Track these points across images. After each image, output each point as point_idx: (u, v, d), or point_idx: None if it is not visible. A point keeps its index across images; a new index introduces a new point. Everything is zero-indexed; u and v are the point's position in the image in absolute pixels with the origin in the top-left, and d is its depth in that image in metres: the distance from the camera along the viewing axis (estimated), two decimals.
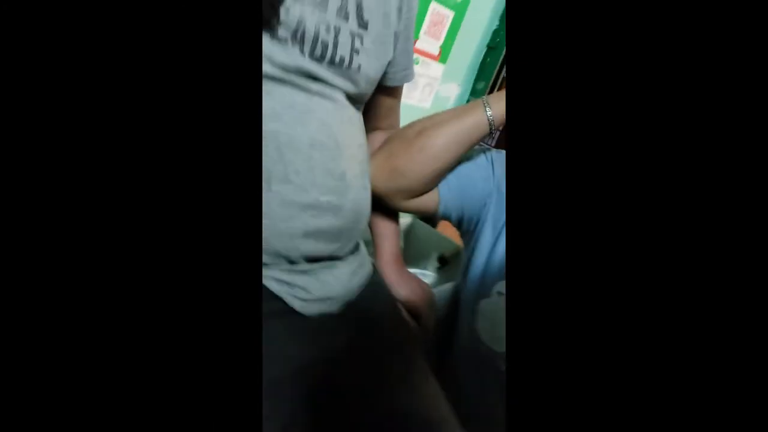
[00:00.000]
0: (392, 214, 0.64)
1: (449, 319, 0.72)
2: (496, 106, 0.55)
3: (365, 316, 0.51)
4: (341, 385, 0.46)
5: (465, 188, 0.61)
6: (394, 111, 0.65)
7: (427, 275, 0.95)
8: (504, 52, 1.38)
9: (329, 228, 0.46)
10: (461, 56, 1.39)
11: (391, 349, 0.51)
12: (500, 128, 0.56)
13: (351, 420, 0.45)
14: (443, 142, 0.55)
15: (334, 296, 0.48)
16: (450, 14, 1.26)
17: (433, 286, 0.91)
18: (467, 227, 0.64)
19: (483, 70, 1.45)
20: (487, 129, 0.55)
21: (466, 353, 0.67)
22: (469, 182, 0.61)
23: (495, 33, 1.42)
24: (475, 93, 1.48)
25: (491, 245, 0.62)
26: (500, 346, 0.62)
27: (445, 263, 1.04)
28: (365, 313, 0.51)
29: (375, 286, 0.54)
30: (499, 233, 0.62)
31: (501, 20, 1.40)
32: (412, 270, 0.92)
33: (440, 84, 1.38)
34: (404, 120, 0.65)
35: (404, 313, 0.57)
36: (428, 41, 1.25)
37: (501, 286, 0.62)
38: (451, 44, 1.32)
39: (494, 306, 0.62)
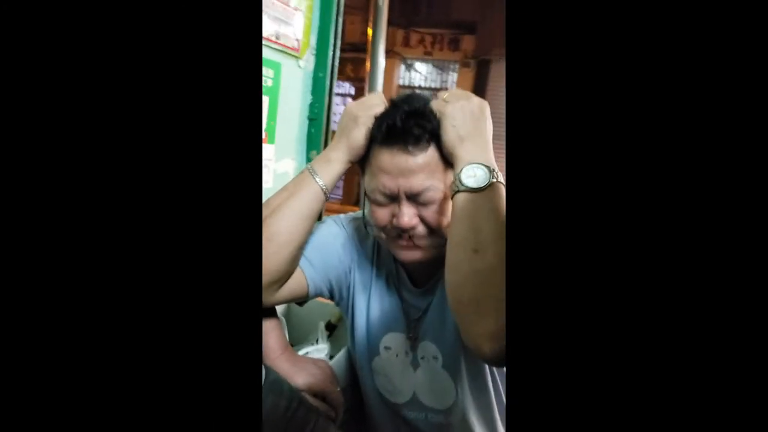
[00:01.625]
0: (269, 309, 0.65)
1: (354, 382, 0.74)
2: (322, 171, 0.57)
3: (282, 422, 0.52)
4: None
5: (328, 261, 0.65)
6: None
7: (321, 348, 0.96)
8: (324, 123, 1.50)
9: None
10: (287, 133, 1.48)
11: None
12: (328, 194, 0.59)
13: None
14: (286, 225, 0.56)
15: None
16: (266, 99, 1.34)
17: (330, 354, 0.92)
18: (340, 295, 0.68)
19: (311, 141, 1.56)
20: (323, 196, 0.58)
21: (376, 411, 0.70)
22: (329, 254, 0.65)
23: (312, 106, 1.55)
24: (310, 161, 1.58)
25: (366, 305, 0.67)
26: (402, 398, 0.67)
27: (333, 328, 1.07)
28: (278, 416, 0.51)
29: (274, 385, 0.54)
30: (369, 292, 0.67)
31: (314, 94, 1.54)
32: (305, 349, 0.92)
33: (275, 163, 1.44)
34: None
35: (310, 400, 0.58)
36: None
37: (386, 341, 0.67)
38: (274, 125, 1.39)
39: (385, 362, 0.67)
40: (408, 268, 0.65)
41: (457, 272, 0.49)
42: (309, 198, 0.57)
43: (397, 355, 0.66)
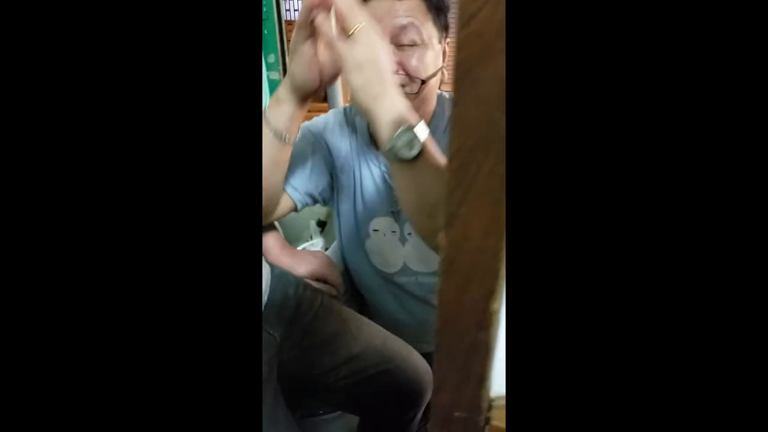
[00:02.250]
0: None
1: (346, 267, 0.84)
2: (273, 115, 0.54)
3: (293, 305, 0.61)
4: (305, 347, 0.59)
5: (308, 178, 0.70)
6: None
7: (316, 243, 1.05)
8: (276, 21, 1.43)
9: None
10: None
11: (323, 315, 0.63)
12: (291, 134, 0.57)
13: (317, 369, 0.57)
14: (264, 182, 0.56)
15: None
16: None
17: (326, 247, 1.02)
18: (326, 197, 0.75)
19: (265, 44, 1.50)
20: (278, 142, 0.55)
21: (372, 282, 0.81)
22: (308, 171, 0.71)
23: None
24: (269, 67, 1.54)
25: (352, 199, 0.74)
26: (394, 268, 0.77)
27: (324, 225, 1.15)
28: (289, 302, 0.61)
29: (281, 277, 0.63)
30: (354, 187, 0.73)
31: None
32: (301, 245, 1.01)
33: None
34: None
35: (313, 284, 0.67)
36: None
37: (374, 225, 0.75)
38: None
39: (375, 242, 0.76)
40: None
41: (420, 232, 0.53)
42: (271, 151, 0.55)
43: (384, 235, 0.75)
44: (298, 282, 0.65)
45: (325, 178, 0.73)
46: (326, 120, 0.76)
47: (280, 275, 0.63)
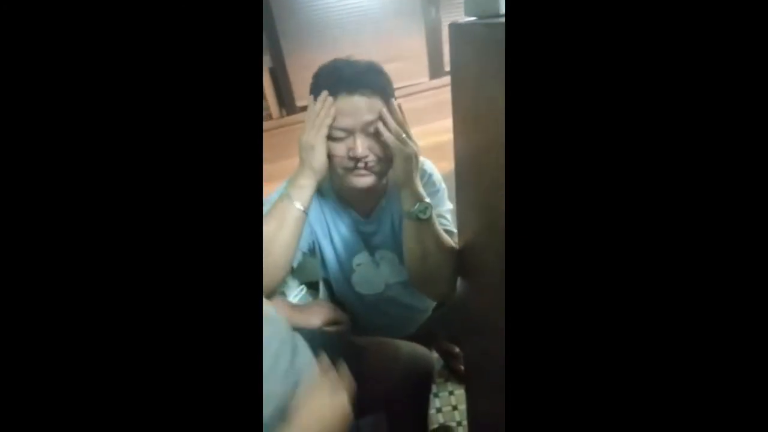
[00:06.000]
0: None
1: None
2: (298, 196, 0.72)
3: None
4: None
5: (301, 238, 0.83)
6: None
7: (292, 285, 1.18)
8: None
9: None
10: None
11: (347, 347, 0.79)
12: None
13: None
14: (281, 254, 0.72)
15: None
16: None
17: (303, 282, 1.15)
18: (312, 249, 0.89)
19: None
20: (304, 215, 0.73)
21: (359, 305, 0.98)
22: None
23: None
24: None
25: (332, 248, 0.90)
26: (376, 289, 0.95)
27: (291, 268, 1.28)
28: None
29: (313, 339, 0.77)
30: (331, 239, 0.89)
31: None
32: (294, 295, 1.14)
33: None
34: None
35: (329, 330, 0.83)
36: None
37: (356, 261, 0.91)
38: None
39: (360, 273, 0.93)
40: (353, 205, 0.87)
41: (411, 265, 0.77)
42: (294, 224, 0.73)
43: (366, 266, 0.93)
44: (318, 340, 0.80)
45: (309, 236, 0.87)
46: None
47: (309, 336, 0.77)
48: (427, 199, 0.73)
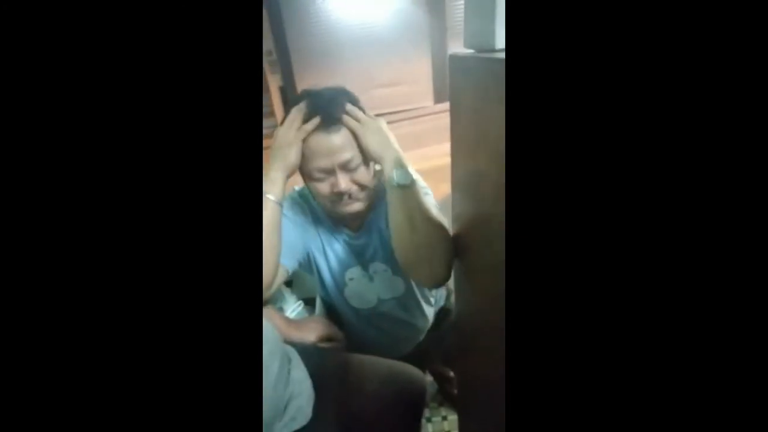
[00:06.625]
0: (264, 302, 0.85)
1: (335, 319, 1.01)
2: (271, 189, 0.72)
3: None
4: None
5: (292, 247, 0.86)
6: None
7: (290, 300, 1.19)
8: None
9: None
10: None
11: (341, 362, 0.79)
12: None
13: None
14: (267, 245, 0.73)
15: None
16: None
17: (301, 298, 1.16)
18: (307, 263, 0.90)
19: None
20: (279, 207, 0.74)
21: (353, 318, 0.99)
22: (292, 240, 0.85)
23: None
24: None
25: (326, 261, 0.91)
26: (369, 303, 0.96)
27: (290, 282, 1.29)
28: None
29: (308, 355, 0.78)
30: (324, 253, 0.90)
31: None
32: (292, 310, 1.15)
33: None
34: None
35: (324, 345, 0.84)
36: None
37: (348, 275, 0.92)
38: None
39: (352, 287, 0.95)
40: (344, 221, 0.87)
41: (399, 242, 0.73)
42: (271, 216, 0.73)
43: (357, 280, 0.93)
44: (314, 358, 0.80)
45: (302, 247, 0.89)
46: (289, 202, 0.91)
47: (303, 352, 0.78)
48: (410, 169, 0.71)
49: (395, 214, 0.72)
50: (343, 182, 0.75)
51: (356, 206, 0.80)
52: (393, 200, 0.71)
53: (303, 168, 0.77)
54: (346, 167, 0.75)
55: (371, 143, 0.72)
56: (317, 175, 0.76)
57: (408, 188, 0.70)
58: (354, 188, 0.77)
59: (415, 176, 0.72)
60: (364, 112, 0.75)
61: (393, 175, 0.70)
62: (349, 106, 0.75)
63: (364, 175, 0.77)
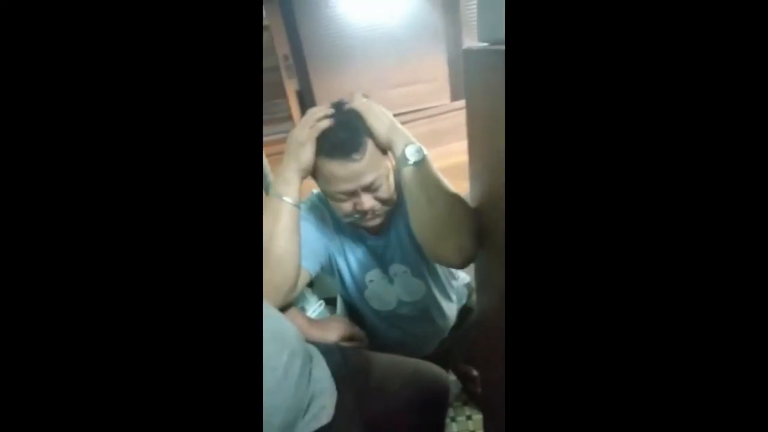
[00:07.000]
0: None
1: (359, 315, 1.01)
2: (286, 191, 0.72)
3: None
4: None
5: (314, 250, 0.86)
6: None
7: (311, 301, 1.20)
8: None
9: None
10: None
11: (363, 362, 0.80)
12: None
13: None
14: (284, 247, 0.74)
15: None
16: None
17: (322, 298, 1.17)
18: (329, 266, 0.91)
19: None
20: (296, 209, 0.74)
21: (374, 320, 0.99)
22: (313, 246, 0.86)
23: None
24: None
25: (346, 264, 0.92)
26: (390, 306, 0.96)
27: (311, 283, 1.30)
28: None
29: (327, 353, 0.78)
30: (345, 255, 0.90)
31: None
32: (313, 310, 1.16)
33: None
34: None
35: (345, 345, 0.84)
36: None
37: (368, 277, 0.92)
38: None
39: (372, 289, 0.94)
40: (365, 228, 0.88)
41: (419, 219, 0.71)
42: (289, 218, 0.74)
43: (378, 282, 0.93)
44: (336, 349, 0.81)
45: (324, 249, 0.89)
46: (309, 204, 0.92)
47: (325, 351, 0.78)
48: (415, 141, 0.70)
49: (411, 192, 0.70)
50: (368, 202, 0.75)
51: (378, 221, 0.80)
52: (408, 179, 0.70)
53: (326, 190, 0.77)
54: (369, 188, 0.75)
55: (379, 126, 0.71)
56: (340, 196, 0.76)
57: (421, 164, 0.69)
58: (377, 205, 0.77)
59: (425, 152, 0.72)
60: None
61: (405, 152, 0.69)
62: (353, 95, 0.74)
63: (385, 190, 0.77)
